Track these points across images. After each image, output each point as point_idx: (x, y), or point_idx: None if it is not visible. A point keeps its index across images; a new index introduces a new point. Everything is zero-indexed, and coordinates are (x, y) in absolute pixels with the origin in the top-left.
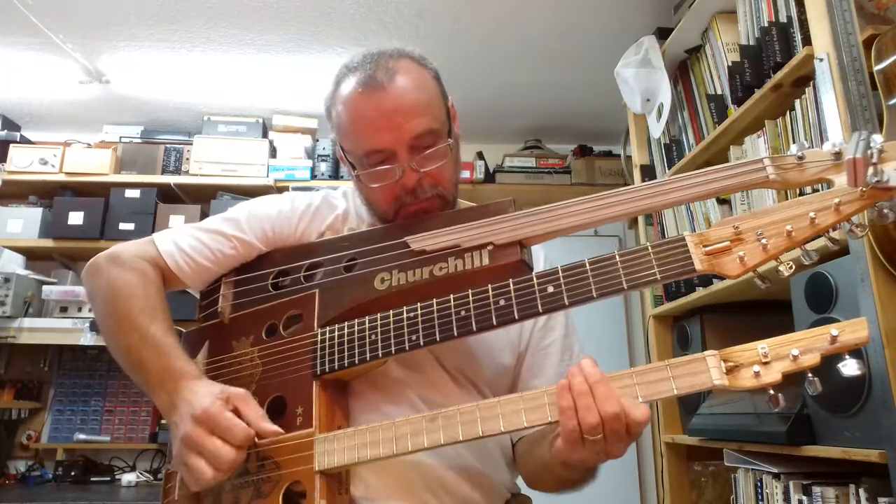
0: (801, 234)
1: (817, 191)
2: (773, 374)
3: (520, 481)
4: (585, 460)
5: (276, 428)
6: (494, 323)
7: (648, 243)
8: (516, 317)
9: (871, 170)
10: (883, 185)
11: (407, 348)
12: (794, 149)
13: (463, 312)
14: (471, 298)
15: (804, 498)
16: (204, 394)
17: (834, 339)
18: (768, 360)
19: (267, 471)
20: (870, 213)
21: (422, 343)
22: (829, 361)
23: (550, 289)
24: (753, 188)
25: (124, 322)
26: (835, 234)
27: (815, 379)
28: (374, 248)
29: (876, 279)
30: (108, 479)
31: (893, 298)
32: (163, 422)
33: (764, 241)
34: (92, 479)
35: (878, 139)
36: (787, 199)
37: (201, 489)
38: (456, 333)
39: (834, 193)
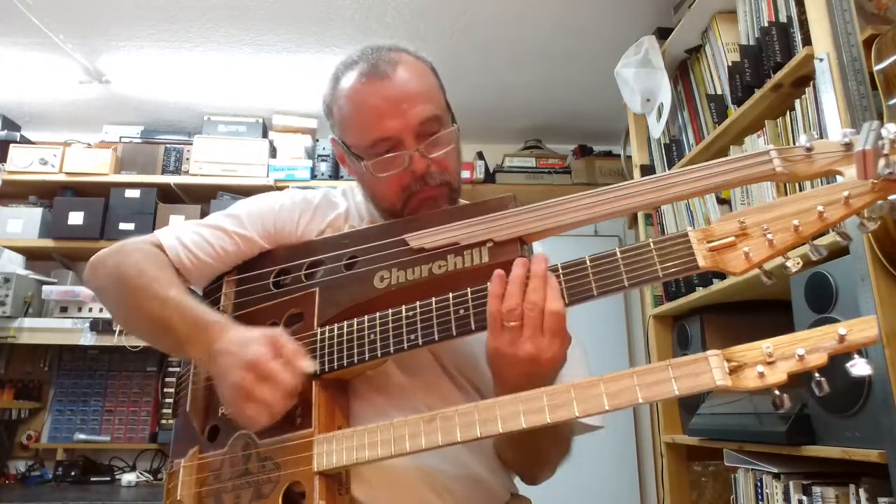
0: (809, 228)
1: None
2: (778, 375)
3: (519, 483)
4: (511, 357)
5: (311, 367)
6: None
7: (651, 239)
8: None
9: (882, 161)
10: (895, 178)
11: (406, 348)
12: (802, 140)
13: (462, 311)
14: (469, 297)
15: (804, 498)
16: (246, 341)
17: (842, 338)
18: (773, 359)
19: (267, 471)
20: (881, 208)
21: (420, 343)
22: (830, 361)
23: None
24: (759, 181)
25: (140, 294)
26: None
27: (822, 379)
28: (374, 246)
29: (876, 279)
30: (108, 479)
31: (893, 298)
32: (163, 422)
33: (770, 236)
34: (92, 479)
35: (891, 129)
36: (786, 193)
37: (259, 429)
38: (455, 333)
39: (843, 186)
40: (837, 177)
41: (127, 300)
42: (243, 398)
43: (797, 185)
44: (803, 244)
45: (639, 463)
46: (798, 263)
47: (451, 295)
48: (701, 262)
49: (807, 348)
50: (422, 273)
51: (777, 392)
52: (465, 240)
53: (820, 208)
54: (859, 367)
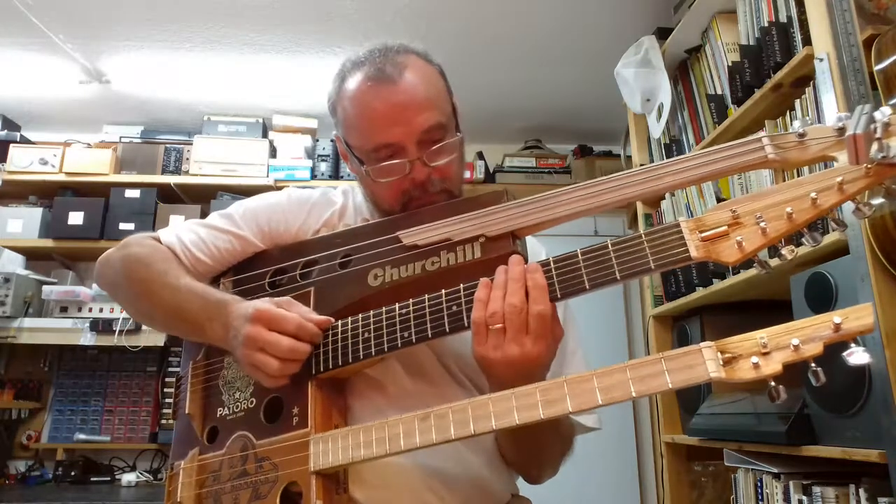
0: (802, 216)
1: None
2: (773, 365)
3: (521, 483)
4: (497, 360)
5: (324, 317)
6: None
7: (642, 231)
8: None
9: (875, 145)
10: (889, 161)
11: (399, 345)
12: (795, 125)
13: (454, 308)
14: (462, 293)
15: (804, 498)
16: (251, 303)
17: (837, 326)
18: (768, 350)
19: (265, 472)
20: (881, 207)
21: (414, 340)
22: (827, 361)
23: None
24: (752, 169)
25: (152, 284)
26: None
27: (818, 369)
28: (367, 245)
29: (876, 279)
30: (108, 479)
31: (893, 298)
32: (163, 422)
33: (763, 224)
34: (92, 479)
35: (886, 111)
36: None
37: (275, 385)
38: (448, 329)
39: (837, 172)
40: (833, 162)
41: (139, 290)
42: (254, 347)
43: (797, 173)
44: (797, 231)
45: (639, 463)
46: (792, 251)
47: (443, 291)
48: (693, 253)
49: (802, 338)
50: (415, 270)
51: (773, 383)
52: (458, 235)
53: (813, 195)
54: (857, 356)
